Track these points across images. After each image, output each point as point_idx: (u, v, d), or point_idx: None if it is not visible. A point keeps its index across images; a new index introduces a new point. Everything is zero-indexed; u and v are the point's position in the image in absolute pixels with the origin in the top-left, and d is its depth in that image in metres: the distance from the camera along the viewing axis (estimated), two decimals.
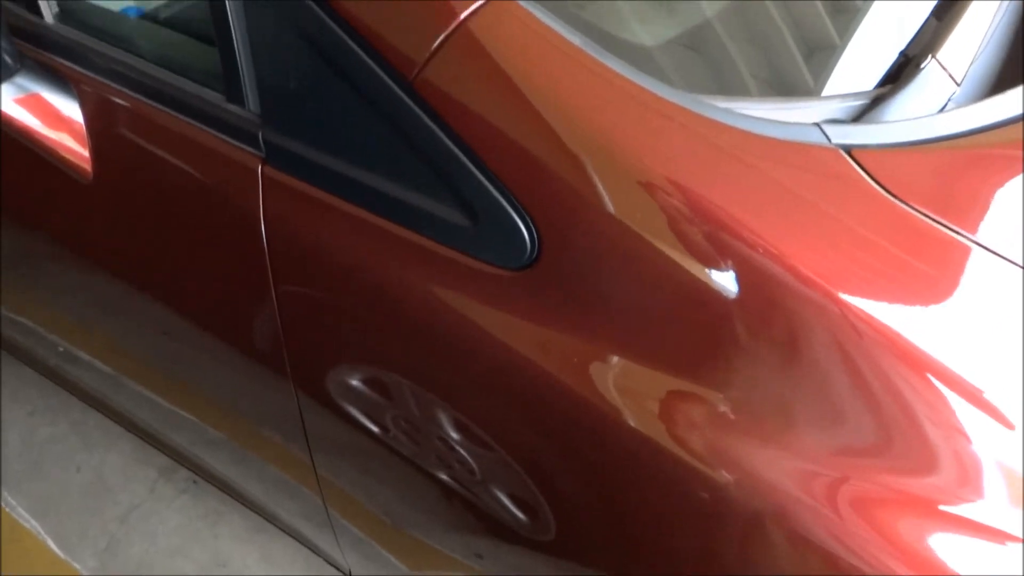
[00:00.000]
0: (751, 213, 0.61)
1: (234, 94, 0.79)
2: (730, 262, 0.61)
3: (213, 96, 0.81)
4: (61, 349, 1.34)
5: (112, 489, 1.70)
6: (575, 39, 0.67)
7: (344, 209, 0.75)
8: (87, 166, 0.90)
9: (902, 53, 0.86)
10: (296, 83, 0.75)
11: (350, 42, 0.70)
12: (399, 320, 0.76)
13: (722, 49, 0.83)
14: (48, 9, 0.89)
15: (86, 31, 0.89)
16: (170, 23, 0.94)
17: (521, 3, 0.67)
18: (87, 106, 0.89)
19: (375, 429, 0.85)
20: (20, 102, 0.86)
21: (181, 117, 0.83)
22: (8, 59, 0.84)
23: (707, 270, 0.61)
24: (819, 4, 0.93)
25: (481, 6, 0.66)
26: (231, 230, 0.84)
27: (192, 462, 1.37)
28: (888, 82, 0.82)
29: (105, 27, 0.89)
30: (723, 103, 0.69)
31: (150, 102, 0.85)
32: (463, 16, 0.66)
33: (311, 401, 0.89)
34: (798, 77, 0.85)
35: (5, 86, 0.85)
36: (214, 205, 0.84)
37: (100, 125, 0.88)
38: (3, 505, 1.67)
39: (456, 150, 0.68)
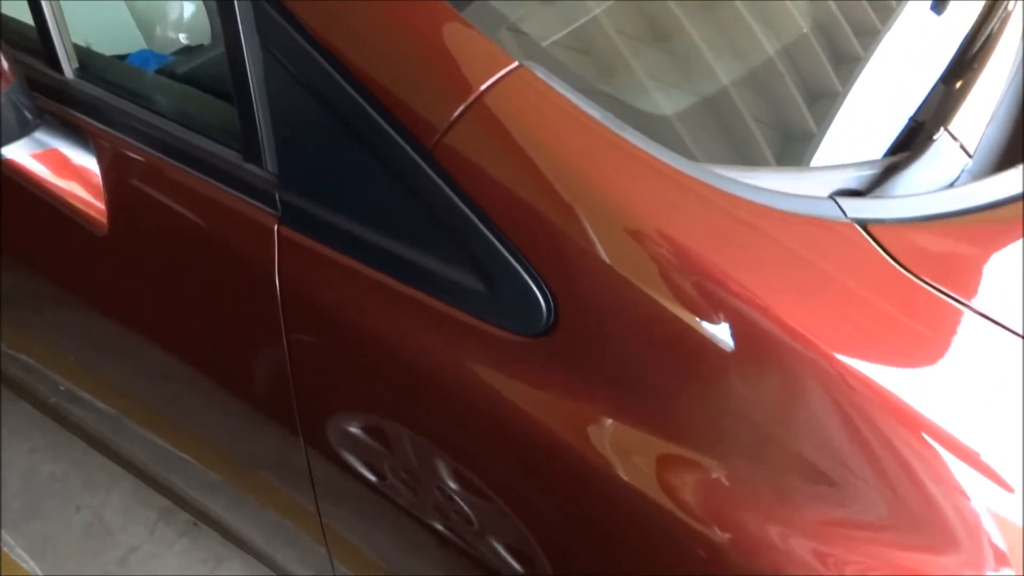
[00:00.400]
0: (768, 286, 0.61)
1: (252, 154, 0.80)
2: (748, 333, 0.61)
3: (230, 155, 0.81)
4: (62, 388, 1.34)
5: (112, 530, 1.69)
6: (592, 110, 0.68)
7: (360, 271, 0.75)
8: (103, 219, 0.90)
9: (912, 119, 0.87)
10: (314, 145, 0.76)
11: (369, 108, 0.70)
12: (413, 381, 0.76)
13: (721, 90, 0.85)
14: (68, 64, 0.90)
15: (104, 87, 0.90)
16: (188, 79, 0.95)
17: (538, 74, 0.68)
18: (104, 160, 0.89)
19: (383, 482, 0.85)
20: (39, 157, 0.87)
21: (198, 175, 0.84)
22: (27, 114, 0.85)
23: (724, 339, 0.62)
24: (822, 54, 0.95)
25: (501, 77, 0.67)
26: (245, 286, 0.84)
27: (192, 506, 1.37)
28: (899, 148, 0.84)
29: (123, 83, 0.91)
30: (738, 173, 0.69)
31: (167, 159, 0.85)
32: (483, 87, 0.67)
33: (320, 456, 0.89)
34: (801, 123, 0.87)
35: (24, 141, 0.85)
36: (229, 262, 0.84)
37: (117, 180, 0.89)
38: (1, 545, 1.65)
39: (473, 216, 0.68)
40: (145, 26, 1.35)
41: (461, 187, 0.68)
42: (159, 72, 0.99)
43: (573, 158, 0.66)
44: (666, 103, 0.81)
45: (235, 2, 0.73)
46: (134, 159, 0.88)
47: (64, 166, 0.88)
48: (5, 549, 1.64)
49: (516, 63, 0.68)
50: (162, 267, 0.90)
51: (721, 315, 0.62)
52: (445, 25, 0.70)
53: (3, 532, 1.68)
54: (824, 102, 0.88)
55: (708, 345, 0.62)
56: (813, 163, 0.81)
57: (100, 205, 0.90)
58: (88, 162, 0.90)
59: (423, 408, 0.77)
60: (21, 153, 0.86)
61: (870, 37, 0.96)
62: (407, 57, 0.69)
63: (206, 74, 0.95)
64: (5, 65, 0.81)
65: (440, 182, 0.69)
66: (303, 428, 0.88)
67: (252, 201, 0.81)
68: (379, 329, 0.76)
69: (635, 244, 0.64)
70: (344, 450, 0.86)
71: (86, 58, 0.94)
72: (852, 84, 0.92)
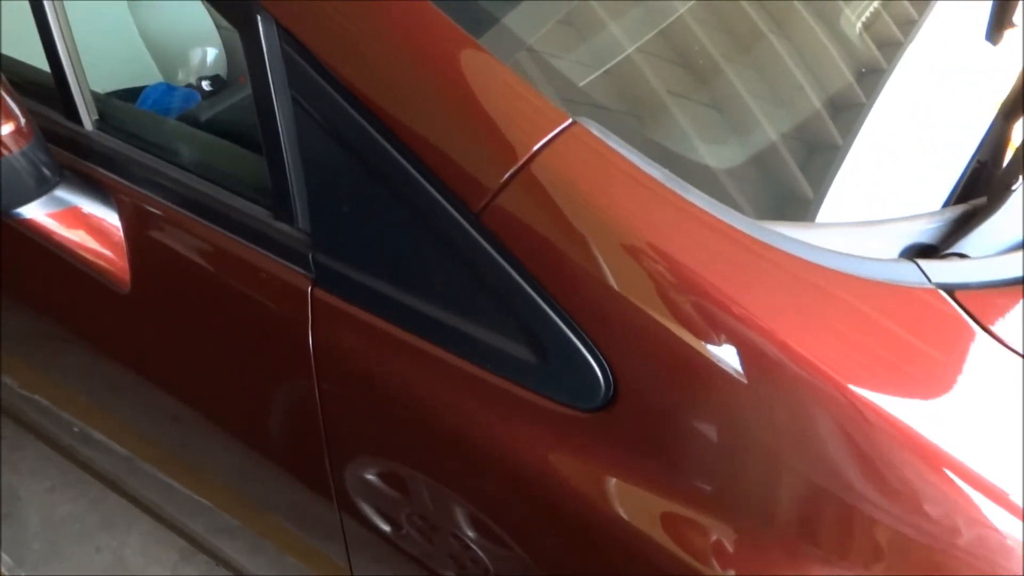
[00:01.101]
0: (853, 365, 0.57)
1: (282, 212, 0.75)
2: (834, 413, 0.57)
3: (259, 212, 0.77)
4: (76, 430, 1.31)
5: (132, 571, 1.65)
6: (651, 168, 0.63)
7: (401, 337, 0.71)
8: (125, 277, 0.86)
9: (975, 159, 0.82)
10: (350, 205, 0.72)
11: (410, 167, 0.66)
12: (456, 450, 0.71)
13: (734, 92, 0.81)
14: (87, 115, 0.86)
15: (125, 138, 0.86)
16: (212, 126, 0.91)
17: (593, 131, 0.64)
18: (125, 216, 0.85)
19: (420, 547, 0.81)
20: (58, 216, 0.83)
21: (224, 232, 0.80)
22: (46, 171, 0.81)
23: (808, 419, 0.57)
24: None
25: (555, 136, 0.63)
26: (277, 348, 0.80)
27: (209, 550, 1.34)
28: (965, 192, 0.79)
29: (144, 133, 0.86)
30: (804, 231, 0.65)
31: (191, 215, 0.81)
32: (536, 147, 0.62)
33: (355, 518, 0.85)
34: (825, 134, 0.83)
35: (44, 199, 0.81)
36: (260, 323, 0.80)
37: (139, 237, 0.85)
38: None
39: (523, 283, 0.64)
40: (164, 65, 1.32)
41: (511, 252, 0.64)
42: (181, 118, 0.95)
43: (633, 222, 0.61)
44: (714, 152, 0.76)
45: (265, 57, 0.69)
46: (157, 215, 0.83)
47: (85, 224, 0.84)
48: None
49: (570, 120, 0.64)
50: (188, 327, 0.86)
51: (801, 395, 0.57)
52: (493, 78, 0.65)
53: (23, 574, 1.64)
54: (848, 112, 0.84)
55: (796, 429, 0.57)
56: (872, 211, 0.76)
57: (122, 263, 0.86)
58: (109, 218, 0.86)
59: (467, 478, 0.73)
60: (40, 212, 0.82)
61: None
62: (453, 113, 0.65)
63: (231, 120, 0.91)
64: (22, 121, 0.77)
65: (488, 247, 0.65)
66: (337, 490, 0.84)
67: (283, 262, 0.76)
68: (422, 397, 0.71)
69: (707, 315, 0.59)
70: (380, 514, 0.82)
71: (105, 107, 0.90)
72: (901, 122, 0.87)
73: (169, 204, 0.82)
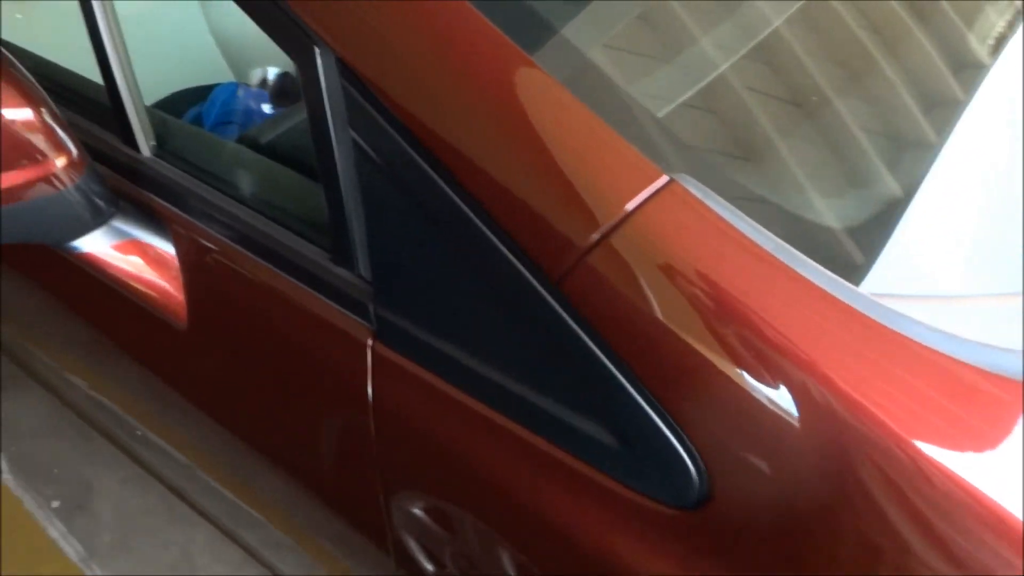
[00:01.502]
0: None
1: (342, 257, 0.69)
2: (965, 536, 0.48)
3: (318, 254, 0.71)
4: (139, 433, 1.31)
5: (198, 568, 1.66)
6: (758, 235, 0.55)
7: (468, 404, 0.64)
8: (181, 312, 0.82)
9: None
10: (415, 258, 0.65)
11: (482, 225, 0.59)
12: (519, 527, 0.65)
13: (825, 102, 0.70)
14: (144, 141, 0.82)
15: (182, 166, 0.81)
16: (274, 150, 0.86)
17: (692, 190, 0.55)
18: (182, 249, 0.81)
19: None
20: (113, 248, 0.79)
21: (281, 274, 0.74)
22: (101, 203, 0.77)
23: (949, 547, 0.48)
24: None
25: (650, 196, 0.54)
26: (334, 397, 0.74)
27: (266, 564, 1.33)
28: None
29: (203, 161, 0.81)
30: (925, 304, 0.55)
31: (248, 252, 0.76)
32: (628, 208, 0.54)
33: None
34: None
35: (99, 232, 0.77)
36: (317, 371, 0.75)
37: (195, 271, 0.80)
38: None
39: (605, 360, 0.56)
40: (235, 65, 1.28)
41: (593, 324, 0.56)
42: (243, 139, 0.89)
43: (738, 297, 0.52)
44: (831, 206, 0.66)
45: (323, 92, 0.63)
46: (213, 250, 0.79)
47: (140, 256, 0.80)
48: None
49: (666, 177, 0.55)
50: (245, 366, 0.82)
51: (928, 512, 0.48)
52: (580, 127, 0.57)
53: (95, 566, 1.67)
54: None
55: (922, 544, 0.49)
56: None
57: (178, 298, 0.81)
58: (166, 250, 0.81)
59: (528, 557, 0.66)
60: (95, 245, 0.78)
61: None
62: (532, 165, 0.57)
63: (294, 145, 0.86)
64: (74, 153, 0.72)
65: (566, 316, 0.57)
66: (396, 550, 0.79)
67: (343, 310, 0.71)
68: (486, 467, 0.65)
69: (817, 405, 0.50)
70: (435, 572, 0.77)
71: (164, 129, 0.85)
72: None
73: (226, 239, 0.77)
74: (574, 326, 0.57)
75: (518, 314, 0.60)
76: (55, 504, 1.77)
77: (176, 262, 0.81)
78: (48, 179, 0.71)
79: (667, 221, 0.54)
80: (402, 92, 0.60)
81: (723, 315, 0.52)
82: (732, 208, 0.55)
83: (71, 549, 1.69)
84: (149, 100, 1.53)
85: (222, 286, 0.79)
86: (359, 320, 0.70)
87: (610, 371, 0.56)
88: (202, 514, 1.44)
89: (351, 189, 0.65)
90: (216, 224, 0.78)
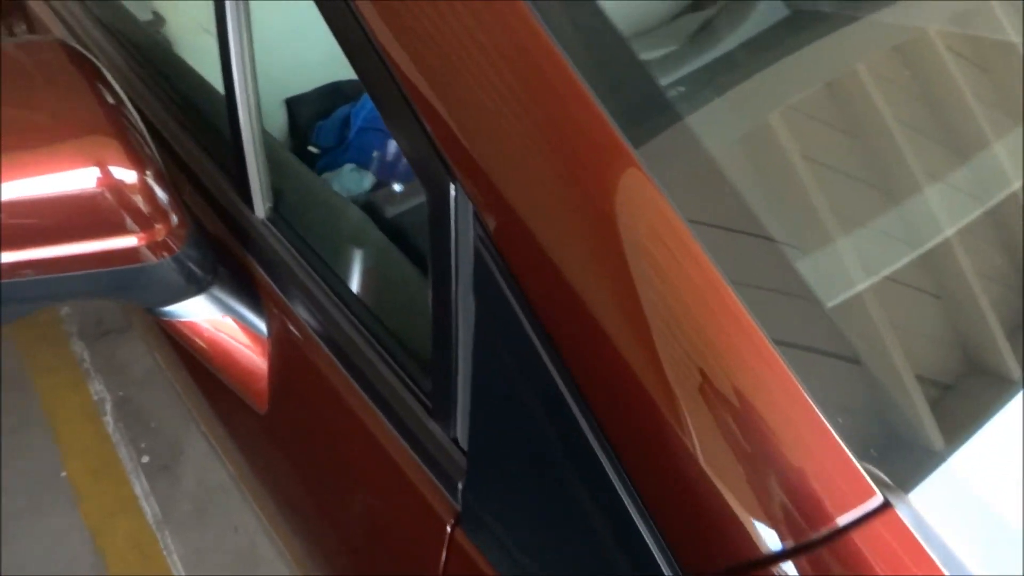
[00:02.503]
0: None
1: (440, 413, 0.58)
2: None
3: (415, 400, 0.61)
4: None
5: (261, 559, 1.65)
6: None
7: None
8: (263, 398, 0.74)
9: None
10: (519, 459, 0.53)
11: (615, 481, 0.46)
12: None
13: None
14: (261, 200, 0.73)
15: (292, 238, 0.72)
16: (395, 231, 0.75)
17: (908, 523, 0.40)
18: (274, 332, 0.72)
19: None
20: (202, 320, 0.71)
21: (371, 404, 0.64)
22: (198, 271, 0.69)
23: None
24: None
25: (855, 523, 0.39)
26: (404, 560, 0.64)
27: None
28: None
29: (315, 238, 0.72)
30: None
31: (341, 368, 0.66)
32: (824, 531, 0.39)
33: None
34: None
35: (192, 300, 0.70)
36: (388, 530, 0.64)
37: (283, 362, 0.72)
38: (162, 548, 1.66)
39: None
40: None
41: None
42: (368, 207, 0.79)
43: None
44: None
45: (451, 240, 0.51)
46: (303, 347, 0.69)
47: (230, 331, 0.72)
48: (164, 552, 1.65)
49: (880, 498, 0.40)
50: (314, 480, 0.73)
51: None
52: (778, 391, 0.42)
53: (168, 533, 1.69)
54: None
55: None
56: None
57: (261, 382, 0.73)
58: (258, 328, 0.73)
59: None
60: (186, 314, 0.71)
61: None
62: (702, 428, 0.43)
63: (416, 229, 0.75)
64: (175, 221, 0.64)
65: None
66: None
67: (429, 473, 0.60)
68: None
69: None
70: None
71: (286, 180, 0.76)
72: None
73: (320, 341, 0.68)
74: None
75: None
76: (145, 459, 1.80)
77: (266, 345, 0.72)
78: (146, 247, 0.63)
79: (869, 554, 0.39)
80: (542, 286, 0.47)
81: None
82: (946, 546, 0.39)
83: (149, 509, 1.71)
84: (294, 91, 1.48)
85: (307, 390, 0.70)
86: (444, 493, 0.58)
87: None
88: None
89: (463, 355, 0.54)
90: (314, 319, 0.68)
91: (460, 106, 0.49)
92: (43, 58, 0.63)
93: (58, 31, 1.23)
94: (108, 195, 0.60)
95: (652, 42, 1.40)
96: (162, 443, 1.82)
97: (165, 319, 0.71)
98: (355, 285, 0.70)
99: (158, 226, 0.62)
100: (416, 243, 0.76)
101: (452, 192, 0.50)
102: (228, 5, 0.66)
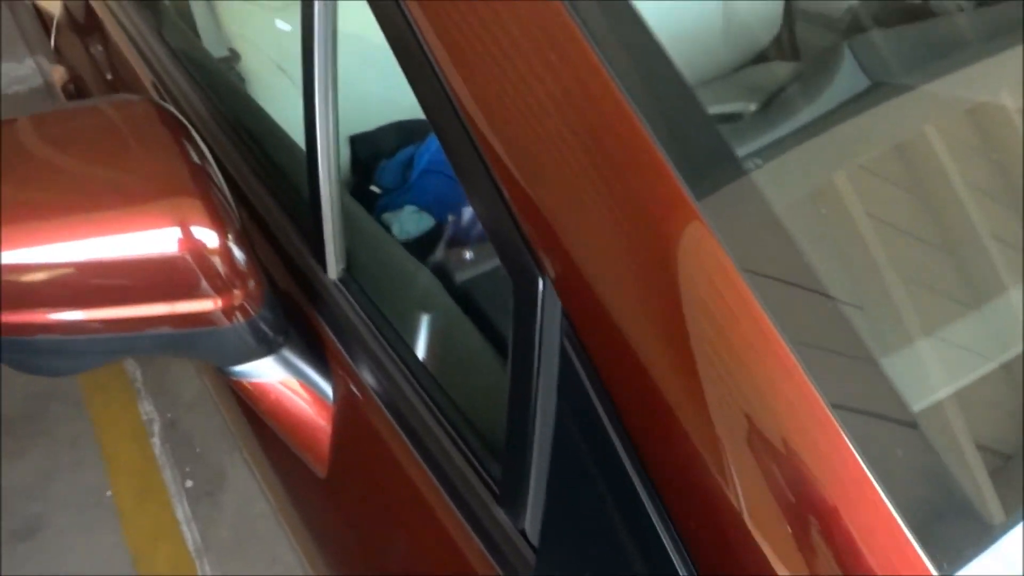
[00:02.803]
0: None
1: (509, 502, 0.56)
2: None
3: (479, 483, 0.59)
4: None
5: None
6: None
7: None
8: (323, 463, 0.73)
9: None
10: (594, 558, 0.50)
11: None
12: None
13: None
14: (334, 262, 0.73)
15: (364, 302, 0.71)
16: (467, 298, 0.74)
17: None
18: (339, 398, 0.71)
19: None
20: (269, 381, 0.70)
21: (436, 481, 0.62)
22: (269, 332, 0.68)
23: None
24: None
25: None
26: None
27: None
28: None
29: (385, 301, 0.71)
30: None
31: (405, 439, 0.65)
32: None
33: None
34: None
35: (260, 361, 0.69)
36: None
37: (346, 428, 0.71)
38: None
39: None
40: None
41: None
42: (438, 270, 0.78)
43: None
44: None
45: (536, 336, 0.49)
46: (369, 416, 0.68)
47: (295, 393, 0.72)
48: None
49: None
50: (370, 553, 0.71)
51: None
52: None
53: (207, 560, 1.69)
54: None
55: None
56: None
57: (322, 447, 0.72)
58: (324, 392, 0.72)
59: None
60: (252, 375, 0.70)
61: None
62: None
63: (486, 296, 0.74)
64: (253, 286, 0.64)
65: None
66: None
67: (491, 559, 0.58)
68: None
69: None
70: None
71: (359, 240, 0.76)
72: None
73: (384, 409, 0.67)
74: None
75: None
76: (188, 484, 1.81)
77: (331, 410, 0.72)
78: (221, 311, 0.63)
79: None
80: (629, 390, 0.45)
81: None
82: None
83: (190, 536, 1.72)
84: (356, 128, 1.49)
85: (369, 460, 0.69)
86: None
87: None
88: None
89: (540, 454, 0.52)
90: (381, 387, 0.67)
91: (555, 202, 0.47)
92: (133, 116, 0.63)
93: (134, 59, 1.25)
94: (189, 258, 0.60)
95: (718, 95, 1.38)
96: (206, 468, 1.83)
97: (232, 379, 0.70)
98: (424, 355, 0.69)
99: (236, 291, 0.62)
100: (486, 311, 0.74)
101: (540, 287, 0.48)
102: (317, 79, 0.66)
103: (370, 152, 1.55)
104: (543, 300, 0.49)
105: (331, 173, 0.70)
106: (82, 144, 0.63)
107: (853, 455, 0.40)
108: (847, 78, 0.81)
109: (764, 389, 0.42)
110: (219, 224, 0.61)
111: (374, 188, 1.51)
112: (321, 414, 0.72)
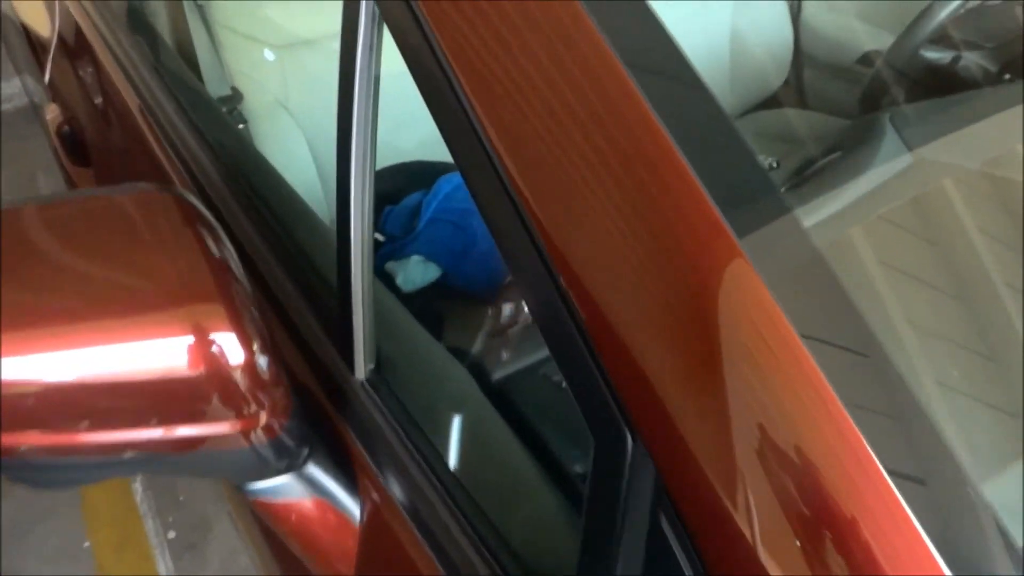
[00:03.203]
0: None
1: None
2: None
3: None
4: None
5: None
6: None
7: None
8: None
9: None
10: None
11: None
12: None
13: None
14: (363, 361, 0.66)
15: (393, 405, 0.64)
16: (507, 401, 0.68)
17: None
18: (366, 516, 0.65)
19: None
20: (289, 500, 0.64)
21: None
22: (291, 445, 0.61)
23: None
24: None
25: None
26: None
27: None
28: None
29: (417, 406, 0.65)
30: None
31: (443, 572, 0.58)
32: None
33: None
34: None
35: (282, 478, 0.62)
36: None
37: (374, 554, 0.64)
38: None
39: None
40: None
41: None
42: (473, 366, 0.72)
43: None
44: None
45: (619, 515, 0.43)
46: (402, 542, 0.62)
47: (318, 513, 0.65)
48: None
49: None
50: None
51: None
52: None
53: None
54: None
55: None
56: None
57: (350, 570, 0.65)
58: (348, 511, 0.65)
59: None
60: (270, 493, 0.63)
61: None
62: None
63: (523, 394, 0.67)
64: (282, 403, 0.57)
65: None
66: None
67: None
68: None
69: None
70: None
71: (390, 331, 0.69)
72: None
73: (418, 533, 0.60)
74: None
75: None
76: (171, 535, 1.72)
77: (357, 532, 0.65)
78: (241, 433, 0.56)
79: None
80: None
81: None
82: None
83: None
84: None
85: None
86: None
87: None
88: None
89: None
90: (413, 505, 0.61)
91: (650, 356, 0.41)
92: (154, 213, 0.57)
93: (129, 96, 1.17)
94: (208, 379, 0.53)
95: None
96: (189, 518, 1.74)
97: (249, 499, 0.63)
98: (461, 470, 0.63)
99: (261, 412, 0.55)
100: (523, 412, 0.68)
101: (630, 448, 0.42)
102: (353, 165, 0.60)
103: (375, 193, 1.49)
104: (632, 463, 0.43)
105: (365, 267, 0.63)
106: (93, 241, 0.56)
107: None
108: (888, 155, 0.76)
109: None
110: (244, 338, 0.54)
111: (378, 236, 1.44)
112: (346, 538, 0.65)
